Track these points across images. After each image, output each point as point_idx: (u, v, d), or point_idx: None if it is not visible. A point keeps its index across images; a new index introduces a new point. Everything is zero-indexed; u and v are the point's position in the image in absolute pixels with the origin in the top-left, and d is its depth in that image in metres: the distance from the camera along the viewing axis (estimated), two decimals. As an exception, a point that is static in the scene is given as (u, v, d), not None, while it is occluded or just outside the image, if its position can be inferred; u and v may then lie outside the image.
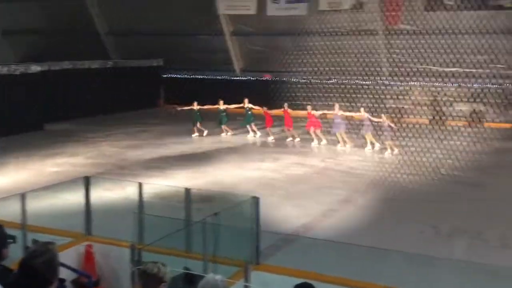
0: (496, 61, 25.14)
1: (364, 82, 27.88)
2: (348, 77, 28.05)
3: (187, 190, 9.81)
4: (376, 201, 13.65)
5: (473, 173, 16.18)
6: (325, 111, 21.46)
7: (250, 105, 22.61)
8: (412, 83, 26.90)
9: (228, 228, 8.92)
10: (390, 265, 8.77)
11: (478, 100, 25.11)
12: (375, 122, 19.84)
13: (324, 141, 21.12)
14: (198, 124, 23.13)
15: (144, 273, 4.06)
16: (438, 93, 26.35)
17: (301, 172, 16.78)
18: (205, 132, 23.03)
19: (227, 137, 22.93)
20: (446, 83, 26.04)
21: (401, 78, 27.32)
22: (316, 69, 29.36)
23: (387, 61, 27.73)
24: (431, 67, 26.67)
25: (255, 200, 8.96)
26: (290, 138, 21.77)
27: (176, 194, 11.15)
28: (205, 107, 23.33)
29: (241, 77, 31.74)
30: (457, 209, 13.12)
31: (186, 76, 32.72)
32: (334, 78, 28.63)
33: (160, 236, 7.92)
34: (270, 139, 21.93)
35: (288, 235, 10.80)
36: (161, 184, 13.91)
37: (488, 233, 11.20)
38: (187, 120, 23.94)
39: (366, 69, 27.65)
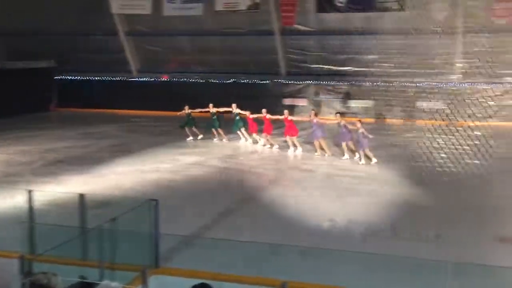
0: (385, 60, 26.44)
1: (261, 81, 28.29)
2: (248, 77, 28.40)
3: (81, 196, 9.42)
4: (275, 199, 13.85)
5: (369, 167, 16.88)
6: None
7: (238, 110, 20.95)
8: (309, 82, 27.64)
9: (126, 233, 8.67)
10: (286, 260, 8.92)
11: (371, 97, 26.34)
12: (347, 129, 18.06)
13: (299, 149, 19.40)
14: (193, 128, 21.86)
15: (33, 285, 3.88)
16: (332, 91, 27.22)
17: (201, 172, 16.69)
18: (200, 136, 21.91)
19: (216, 142, 21.59)
20: (340, 82, 27.03)
21: (298, 77, 28.06)
22: (214, 68, 29.47)
23: (285, 60, 28.31)
24: (326, 66, 27.61)
25: (153, 203, 8.77)
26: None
27: (72, 200, 10.65)
28: (197, 110, 21.85)
29: (138, 78, 31.08)
30: (354, 201, 13.62)
31: (80, 78, 31.50)
32: (232, 78, 28.84)
33: (54, 245, 7.53)
34: (261, 143, 20.57)
35: (188, 237, 10.67)
36: (54, 190, 13.26)
37: (381, 225, 11.69)
38: (79, 123, 22.98)
39: (265, 68, 28.11)
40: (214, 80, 29.15)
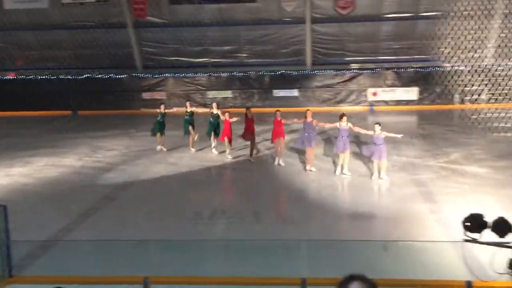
0: (240, 51, 26.94)
1: (118, 76, 27.46)
2: (103, 71, 27.34)
3: None
4: (140, 196, 13.53)
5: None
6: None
7: (219, 112, 17.39)
8: (166, 75, 27.30)
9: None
10: (150, 255, 8.74)
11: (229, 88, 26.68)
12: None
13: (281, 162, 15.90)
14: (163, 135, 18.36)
15: None
16: (191, 83, 27.17)
17: (56, 173, 15.77)
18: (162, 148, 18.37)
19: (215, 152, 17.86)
20: (198, 73, 27.04)
21: (155, 70, 27.60)
22: (65, 64, 27.96)
23: (140, 54, 27.67)
24: (183, 58, 27.45)
25: (1, 209, 8.10)
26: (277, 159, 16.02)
27: None
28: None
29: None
30: (217, 193, 13.71)
31: None
32: (86, 74, 27.61)
33: None
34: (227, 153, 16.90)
35: (45, 241, 10.03)
36: None
37: (244, 211, 11.90)
38: None
39: (120, 62, 27.26)
40: (66, 76, 27.71)
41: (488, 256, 6.97)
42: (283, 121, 15.92)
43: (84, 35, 27.14)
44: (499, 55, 24.58)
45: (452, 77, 25.01)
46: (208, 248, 9.20)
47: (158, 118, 18.05)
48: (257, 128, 17.40)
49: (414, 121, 23.47)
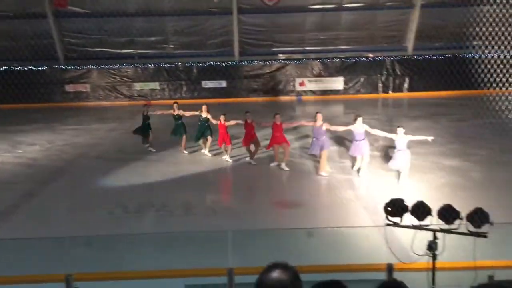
0: (167, 42, 26.52)
1: (38, 68, 26.36)
2: (22, 63, 26.16)
3: None
4: (63, 191, 13.08)
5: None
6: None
7: (209, 115, 15.81)
8: (90, 66, 26.47)
9: None
10: (75, 251, 8.47)
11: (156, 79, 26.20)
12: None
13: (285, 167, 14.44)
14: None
15: None
16: (117, 75, 26.49)
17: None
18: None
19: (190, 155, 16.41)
20: (124, 65, 26.39)
21: (78, 62, 26.70)
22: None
23: (62, 45, 26.65)
24: (108, 49, 26.69)
25: None
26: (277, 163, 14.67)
27: None
28: (187, 113, 16.29)
29: None
30: (143, 188, 13.45)
31: None
32: (4, 66, 26.37)
33: None
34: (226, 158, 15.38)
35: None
36: None
37: (172, 204, 11.75)
38: None
39: (40, 53, 26.13)
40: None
41: (408, 239, 7.20)
42: (284, 125, 14.46)
43: (1, 25, 25.83)
44: (419, 44, 25.48)
45: (377, 66, 25.74)
46: (133, 242, 9.01)
47: (146, 121, 16.41)
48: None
49: (341, 110, 23.97)
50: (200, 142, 16.09)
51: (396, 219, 7.28)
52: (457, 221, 6.88)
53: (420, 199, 7.30)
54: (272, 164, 14.68)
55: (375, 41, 26.11)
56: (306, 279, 3.01)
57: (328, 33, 26.22)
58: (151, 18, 25.53)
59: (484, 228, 6.86)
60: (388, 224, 7.33)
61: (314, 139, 13.94)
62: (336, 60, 26.03)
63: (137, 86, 26.27)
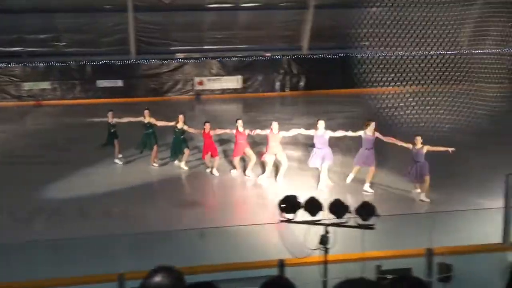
0: (59, 39, 25.41)
1: None
2: None
3: None
4: None
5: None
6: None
7: (185, 126, 14.33)
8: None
9: None
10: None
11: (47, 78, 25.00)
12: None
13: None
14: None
15: None
16: (3, 74, 24.95)
17: None
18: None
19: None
20: (11, 63, 24.94)
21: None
22: None
23: None
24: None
25: None
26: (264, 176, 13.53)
27: None
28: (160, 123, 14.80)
29: None
30: (31, 194, 12.80)
31: None
32: None
33: None
34: (234, 172, 13.96)
35: None
36: None
37: (65, 208, 11.29)
38: None
39: None
40: None
41: (302, 234, 7.39)
42: (282, 133, 13.19)
43: None
44: (313, 44, 26.26)
45: (273, 66, 26.21)
46: (22, 249, 8.54)
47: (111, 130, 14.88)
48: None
49: (240, 109, 24.18)
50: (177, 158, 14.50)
51: (290, 216, 7.45)
52: (347, 215, 7.16)
53: (312, 195, 7.52)
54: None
55: (272, 40, 26.58)
56: (198, 279, 2.98)
57: (226, 32, 26.33)
58: (41, 14, 24.31)
59: (372, 221, 7.19)
60: (283, 221, 7.49)
61: (315, 149, 12.63)
62: (234, 59, 26.20)
63: (26, 86, 24.89)
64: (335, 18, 25.04)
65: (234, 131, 13.81)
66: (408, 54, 16.58)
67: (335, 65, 25.48)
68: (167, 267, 2.95)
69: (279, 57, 26.27)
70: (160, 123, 14.71)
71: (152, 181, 13.57)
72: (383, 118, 14.98)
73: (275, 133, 13.19)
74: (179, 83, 25.94)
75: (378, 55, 16.63)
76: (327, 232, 7.16)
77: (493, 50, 17.24)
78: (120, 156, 15.05)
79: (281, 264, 7.30)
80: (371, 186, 12.48)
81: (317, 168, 12.85)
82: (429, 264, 7.54)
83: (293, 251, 7.58)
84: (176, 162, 14.58)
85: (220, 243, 8.86)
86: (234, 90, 26.21)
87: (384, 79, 15.94)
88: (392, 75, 16.17)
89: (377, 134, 12.35)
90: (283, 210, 7.37)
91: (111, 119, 14.99)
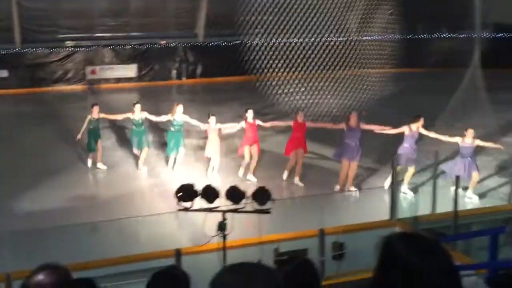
0: None
1: None
2: None
3: None
4: None
5: None
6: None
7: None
8: None
9: None
10: None
11: None
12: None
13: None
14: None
15: None
16: None
17: None
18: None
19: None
20: None
21: None
22: None
23: None
24: None
25: None
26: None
27: None
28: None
29: None
30: None
31: None
32: None
33: None
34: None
35: None
36: None
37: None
38: None
39: None
40: None
41: (201, 222, 7.40)
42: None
43: None
44: (209, 31, 26.18)
45: (168, 54, 25.85)
46: None
47: (91, 126, 12.98)
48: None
49: (135, 99, 23.62)
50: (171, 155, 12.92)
51: (188, 204, 7.43)
52: (244, 201, 7.26)
53: (208, 183, 7.54)
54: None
55: (167, 28, 26.17)
56: (90, 275, 2.89)
57: (119, 19, 25.55)
58: None
59: (268, 205, 7.34)
60: (180, 210, 7.45)
61: (347, 142, 11.49)
62: (128, 47, 25.53)
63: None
64: (229, 5, 25.11)
65: (243, 123, 12.25)
66: (297, 40, 17.04)
67: (231, 53, 25.59)
68: (51, 264, 2.83)
69: (174, 44, 25.94)
70: (155, 118, 13.29)
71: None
72: (278, 104, 15.30)
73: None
74: (70, 73, 24.84)
75: (271, 41, 16.93)
76: (224, 218, 7.23)
77: (378, 37, 18.14)
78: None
79: (178, 253, 7.27)
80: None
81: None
82: (321, 243, 7.83)
83: (193, 239, 7.58)
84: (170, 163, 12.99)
85: (116, 236, 8.66)
86: (129, 79, 25.56)
87: (277, 65, 16.28)
88: (282, 61, 16.55)
89: (423, 131, 11.36)
90: (180, 199, 7.34)
91: (96, 114, 12.93)
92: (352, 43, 17.72)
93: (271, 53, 16.62)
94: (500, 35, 25.38)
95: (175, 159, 12.91)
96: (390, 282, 1.80)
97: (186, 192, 7.34)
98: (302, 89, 16.19)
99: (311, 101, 15.81)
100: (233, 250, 7.38)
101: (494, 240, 6.15)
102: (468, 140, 10.77)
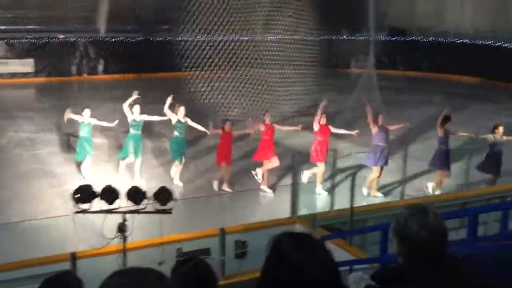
0: None
1: None
2: None
3: None
4: None
5: None
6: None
7: (145, 116, 11.93)
8: None
9: None
10: None
11: None
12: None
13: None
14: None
15: None
16: None
17: None
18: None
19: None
20: None
21: None
22: None
23: None
24: None
25: None
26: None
27: None
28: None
29: None
30: None
31: None
32: None
33: None
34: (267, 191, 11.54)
35: None
36: None
37: None
38: None
39: None
40: None
41: (100, 224, 7.20)
42: (334, 130, 11.58)
43: None
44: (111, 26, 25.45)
45: (68, 49, 24.85)
46: None
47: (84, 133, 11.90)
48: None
49: (32, 95, 22.55)
50: (176, 162, 11.82)
51: (86, 206, 7.18)
52: (145, 201, 7.14)
53: (108, 183, 7.33)
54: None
55: (67, 21, 25.12)
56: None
57: (15, 12, 24.21)
58: None
59: (170, 205, 7.26)
60: (78, 212, 7.20)
61: (377, 144, 11.11)
62: (25, 40, 24.25)
63: None
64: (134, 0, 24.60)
65: (262, 127, 11.57)
66: (201, 38, 17.02)
67: (134, 49, 25.03)
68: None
69: (74, 39, 24.97)
70: (150, 117, 12.19)
71: None
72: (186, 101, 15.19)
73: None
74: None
75: (175, 38, 16.80)
76: (124, 219, 7.08)
77: (279, 37, 18.50)
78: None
79: (73, 257, 7.03)
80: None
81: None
82: (222, 243, 7.89)
83: (92, 242, 7.36)
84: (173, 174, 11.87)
85: (10, 240, 8.22)
86: (25, 75, 24.29)
87: (181, 63, 16.18)
88: (186, 59, 16.47)
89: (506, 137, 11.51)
90: (77, 200, 7.09)
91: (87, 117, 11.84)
92: (255, 43, 17.96)
93: (176, 50, 16.48)
94: (394, 38, 26.77)
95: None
96: (276, 278, 1.93)
97: (84, 194, 7.11)
98: (203, 88, 16.21)
99: (212, 100, 15.87)
100: (134, 252, 7.25)
101: (385, 235, 6.48)
102: (499, 136, 11.37)
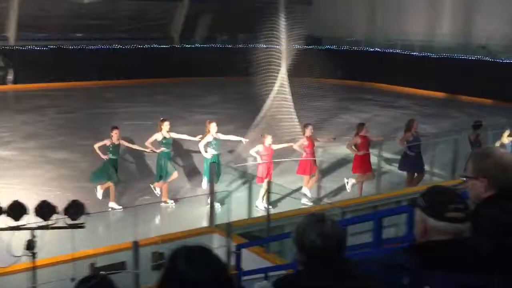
0: None
1: None
2: None
3: None
4: None
5: None
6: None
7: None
8: None
9: None
10: None
11: None
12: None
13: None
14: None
15: None
16: None
17: None
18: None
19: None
20: None
21: None
22: None
23: None
24: None
25: None
26: None
27: None
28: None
29: None
30: None
31: None
32: None
33: None
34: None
35: None
36: None
37: None
38: None
39: None
40: None
41: (5, 241, 6.88)
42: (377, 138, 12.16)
43: None
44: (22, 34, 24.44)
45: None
46: None
47: (110, 155, 10.71)
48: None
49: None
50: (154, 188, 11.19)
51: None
52: (54, 216, 6.87)
53: (16, 199, 7.01)
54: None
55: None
56: None
57: None
58: None
59: (82, 219, 7.03)
60: (-19, 230, 6.83)
61: (412, 152, 11.31)
62: None
63: None
64: (45, 7, 23.74)
65: (304, 140, 11.18)
66: (117, 47, 16.75)
67: (47, 57, 24.15)
68: None
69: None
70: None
71: None
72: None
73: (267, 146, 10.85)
74: None
75: (88, 47, 16.43)
76: (33, 236, 6.78)
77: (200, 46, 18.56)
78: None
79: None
80: None
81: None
82: (136, 256, 7.74)
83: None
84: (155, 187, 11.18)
85: None
86: None
87: (94, 72, 15.83)
88: (100, 68, 16.14)
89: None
90: (-18, 218, 6.72)
91: (116, 139, 10.75)
92: (174, 51, 17.88)
93: (86, 59, 16.09)
94: (310, 47, 27.44)
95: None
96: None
97: (-11, 211, 6.75)
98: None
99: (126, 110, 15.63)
100: (44, 269, 6.97)
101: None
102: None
